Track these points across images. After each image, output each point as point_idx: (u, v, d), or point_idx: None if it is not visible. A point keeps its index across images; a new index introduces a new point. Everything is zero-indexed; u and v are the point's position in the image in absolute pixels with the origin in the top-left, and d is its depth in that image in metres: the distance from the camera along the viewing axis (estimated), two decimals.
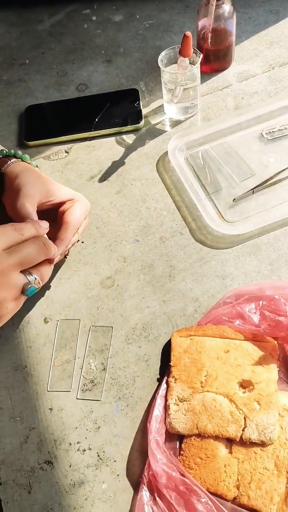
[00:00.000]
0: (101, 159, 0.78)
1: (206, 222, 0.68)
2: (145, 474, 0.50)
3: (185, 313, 0.62)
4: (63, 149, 0.80)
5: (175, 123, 0.80)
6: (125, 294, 0.64)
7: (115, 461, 0.53)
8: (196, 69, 0.75)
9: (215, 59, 0.84)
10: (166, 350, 0.59)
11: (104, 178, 0.76)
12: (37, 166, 0.69)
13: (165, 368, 0.58)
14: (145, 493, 0.49)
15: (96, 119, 0.81)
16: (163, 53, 0.75)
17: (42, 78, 0.89)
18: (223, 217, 0.68)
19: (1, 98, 0.88)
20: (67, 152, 0.80)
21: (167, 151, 0.76)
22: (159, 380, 0.57)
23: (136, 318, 0.62)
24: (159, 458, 0.50)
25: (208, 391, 0.53)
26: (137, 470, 0.52)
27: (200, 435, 0.51)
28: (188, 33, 0.70)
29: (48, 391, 0.58)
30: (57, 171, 0.77)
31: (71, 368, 0.59)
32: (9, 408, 0.57)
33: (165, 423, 0.53)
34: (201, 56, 0.75)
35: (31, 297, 0.64)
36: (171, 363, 0.56)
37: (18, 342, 0.62)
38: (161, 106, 0.82)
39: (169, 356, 0.57)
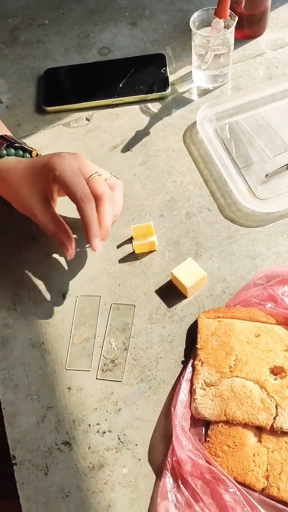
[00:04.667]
0: (124, 128, 0.74)
1: (236, 198, 0.64)
2: (169, 460, 0.48)
3: (212, 294, 0.58)
4: (83, 116, 0.75)
5: (203, 92, 0.76)
6: (148, 272, 0.61)
7: (136, 444, 0.50)
8: (230, 34, 0.70)
9: (248, 24, 0.78)
10: (192, 332, 0.56)
11: (127, 148, 0.71)
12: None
13: (190, 351, 0.55)
14: (168, 480, 0.47)
15: (120, 85, 0.76)
16: (195, 15, 0.70)
17: (62, 40, 0.84)
18: (254, 194, 0.64)
19: (19, 59, 0.83)
20: (88, 120, 0.75)
21: (195, 122, 0.72)
22: (184, 363, 0.54)
23: (160, 297, 0.59)
24: (185, 444, 0.47)
25: (237, 376, 0.50)
26: (160, 455, 0.50)
27: (228, 422, 0.49)
28: None
29: (66, 369, 0.55)
30: (77, 139, 0.73)
31: (90, 347, 0.56)
32: (26, 386, 0.55)
33: (190, 408, 0.50)
34: (236, 19, 0.69)
35: (48, 271, 0.61)
36: (198, 346, 0.53)
37: (35, 317, 0.59)
38: (189, 74, 0.77)
39: (195, 338, 0.54)
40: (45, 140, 0.74)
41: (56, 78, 0.79)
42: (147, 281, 0.60)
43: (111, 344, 0.56)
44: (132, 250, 0.62)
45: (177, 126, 0.73)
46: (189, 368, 0.52)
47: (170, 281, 0.60)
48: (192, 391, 0.51)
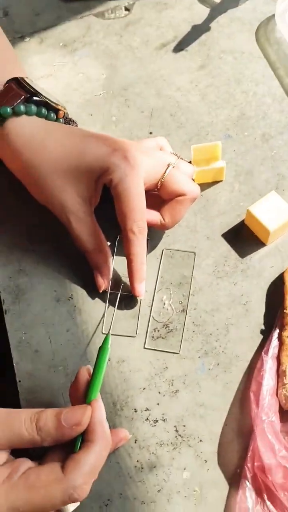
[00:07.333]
0: (176, 21, 0.56)
1: None
2: (248, 465, 0.35)
3: None
4: (122, 5, 0.58)
5: None
6: (212, 209, 0.46)
7: (201, 440, 0.37)
8: None
9: None
10: (274, 291, 0.42)
11: (180, 47, 0.54)
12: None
13: (272, 317, 0.40)
14: (249, 493, 0.34)
15: None
16: None
17: None
18: None
19: None
20: (128, 10, 0.57)
21: (271, 16, 0.54)
22: (264, 333, 0.40)
23: (228, 243, 0.44)
24: (277, 448, 0.34)
25: None
26: (234, 458, 0.37)
27: None
28: None
29: (103, 334, 0.41)
30: (114, 35, 0.56)
31: (136, 305, 0.42)
32: (49, 353, 0.41)
33: (277, 395, 0.37)
34: None
35: None
36: (287, 311, 0.39)
37: (61, 263, 0.44)
38: None
39: (282, 300, 0.40)
40: (71, 35, 0.56)
41: None
42: (211, 222, 0.45)
43: (164, 303, 0.42)
44: None
45: (247, 21, 0.55)
46: (274, 341, 0.38)
47: (242, 222, 0.45)
48: (280, 373, 0.37)
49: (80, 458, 0.30)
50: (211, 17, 0.56)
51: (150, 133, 0.50)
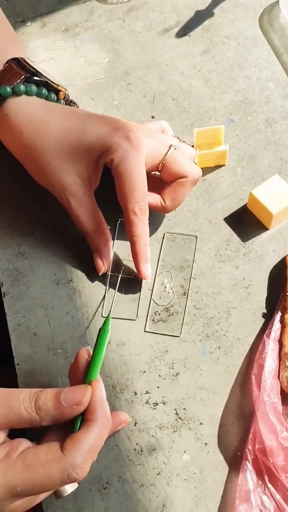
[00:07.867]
0: (179, 6, 0.56)
1: None
2: (249, 447, 0.35)
3: None
4: None
5: None
6: (214, 193, 0.45)
7: (201, 423, 0.37)
8: None
9: None
10: (276, 275, 0.41)
11: (183, 32, 0.54)
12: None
13: (274, 300, 0.40)
14: (250, 475, 0.34)
15: None
16: None
17: None
18: None
19: None
20: None
21: (277, 1, 0.54)
22: (266, 317, 0.40)
23: (231, 226, 0.44)
24: (279, 430, 0.33)
25: None
26: (235, 440, 0.36)
27: None
28: None
29: (103, 317, 0.41)
30: (117, 19, 0.55)
31: (136, 288, 0.42)
32: (48, 336, 0.40)
33: (279, 378, 0.36)
34: None
35: None
36: None
37: (61, 247, 0.44)
38: None
39: (284, 284, 0.39)
40: (73, 19, 0.56)
41: None
42: (213, 206, 0.45)
43: (165, 287, 0.42)
44: None
45: (251, 7, 0.55)
46: (276, 324, 0.38)
47: (245, 206, 0.44)
48: (282, 356, 0.37)
49: (80, 437, 0.30)
50: (214, 3, 0.55)
51: (152, 117, 0.50)
